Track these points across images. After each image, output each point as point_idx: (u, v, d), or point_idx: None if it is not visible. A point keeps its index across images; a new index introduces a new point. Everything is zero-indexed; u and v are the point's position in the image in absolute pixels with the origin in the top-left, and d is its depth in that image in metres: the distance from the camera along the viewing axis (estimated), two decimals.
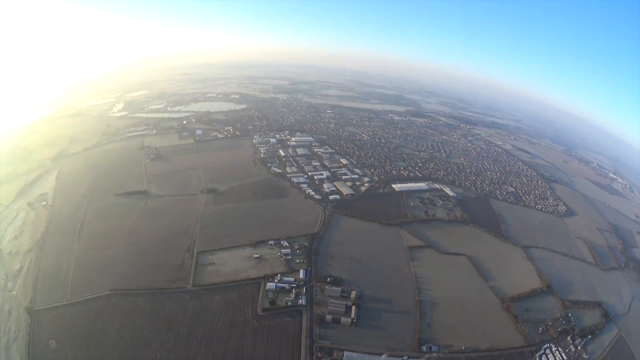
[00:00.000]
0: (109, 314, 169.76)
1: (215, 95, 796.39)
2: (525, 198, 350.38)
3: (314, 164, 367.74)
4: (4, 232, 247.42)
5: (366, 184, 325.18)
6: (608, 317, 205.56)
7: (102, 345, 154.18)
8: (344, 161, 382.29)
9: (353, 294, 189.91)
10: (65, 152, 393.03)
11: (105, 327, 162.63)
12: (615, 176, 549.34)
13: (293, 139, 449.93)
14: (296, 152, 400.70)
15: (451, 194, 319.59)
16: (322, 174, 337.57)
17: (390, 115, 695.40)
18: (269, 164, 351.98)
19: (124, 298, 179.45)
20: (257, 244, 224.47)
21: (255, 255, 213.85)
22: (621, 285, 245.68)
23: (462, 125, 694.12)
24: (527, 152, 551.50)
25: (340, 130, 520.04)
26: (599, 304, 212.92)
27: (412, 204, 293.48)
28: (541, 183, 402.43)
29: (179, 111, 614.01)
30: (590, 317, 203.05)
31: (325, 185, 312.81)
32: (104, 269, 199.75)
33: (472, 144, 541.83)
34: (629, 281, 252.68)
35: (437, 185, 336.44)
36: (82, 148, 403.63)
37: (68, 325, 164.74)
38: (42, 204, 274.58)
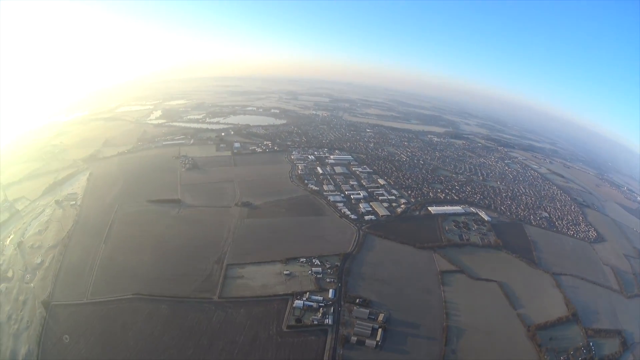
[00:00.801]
0: (130, 317, 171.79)
1: (255, 109, 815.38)
2: (558, 224, 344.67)
3: (351, 183, 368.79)
4: (28, 226, 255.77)
5: (402, 206, 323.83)
6: (626, 345, 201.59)
7: (119, 347, 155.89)
8: (381, 181, 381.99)
9: (381, 317, 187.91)
10: (99, 155, 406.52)
11: (125, 330, 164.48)
12: None
13: (331, 156, 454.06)
14: (334, 170, 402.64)
15: (486, 218, 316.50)
16: (359, 194, 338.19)
17: (429, 136, 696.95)
18: (306, 181, 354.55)
19: (147, 303, 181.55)
20: (288, 260, 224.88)
21: (285, 272, 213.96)
22: None
23: (499, 147, 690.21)
24: (562, 177, 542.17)
25: (379, 150, 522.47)
26: (619, 332, 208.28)
27: (447, 228, 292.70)
28: (574, 208, 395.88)
29: (217, 123, 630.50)
30: (610, 346, 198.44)
31: (361, 205, 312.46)
32: (129, 273, 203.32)
33: (508, 167, 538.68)
34: None
35: (472, 209, 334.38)
36: (117, 152, 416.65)
37: (85, 323, 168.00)
38: (71, 203, 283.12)
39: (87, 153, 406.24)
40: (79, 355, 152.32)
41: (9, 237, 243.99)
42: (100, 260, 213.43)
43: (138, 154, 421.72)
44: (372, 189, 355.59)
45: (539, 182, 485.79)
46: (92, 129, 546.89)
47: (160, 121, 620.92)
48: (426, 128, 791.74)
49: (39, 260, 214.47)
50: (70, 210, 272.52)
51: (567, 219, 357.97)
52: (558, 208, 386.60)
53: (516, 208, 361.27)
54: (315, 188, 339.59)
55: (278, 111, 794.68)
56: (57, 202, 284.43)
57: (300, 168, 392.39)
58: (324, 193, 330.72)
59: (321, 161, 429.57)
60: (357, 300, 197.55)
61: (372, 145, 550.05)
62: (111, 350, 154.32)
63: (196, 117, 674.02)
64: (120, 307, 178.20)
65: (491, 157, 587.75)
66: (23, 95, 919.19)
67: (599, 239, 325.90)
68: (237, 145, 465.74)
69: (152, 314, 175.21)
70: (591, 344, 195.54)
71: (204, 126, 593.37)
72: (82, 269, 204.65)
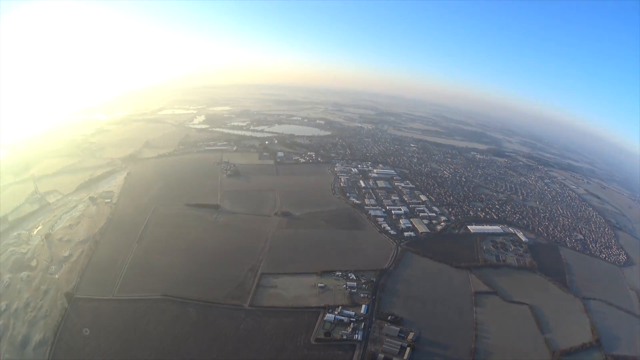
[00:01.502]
0: (156, 317, 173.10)
1: (300, 119, 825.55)
2: (592, 246, 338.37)
3: (393, 198, 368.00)
4: (58, 219, 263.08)
5: (442, 223, 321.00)
6: None
7: (140, 344, 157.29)
8: (423, 197, 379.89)
9: (411, 335, 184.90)
10: (138, 155, 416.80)
11: (148, 329, 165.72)
12: None
13: (375, 170, 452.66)
14: (377, 184, 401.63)
15: (523, 239, 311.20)
16: (400, 209, 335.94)
17: (472, 153, 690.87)
18: (347, 194, 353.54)
19: (175, 305, 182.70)
20: (323, 273, 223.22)
21: (319, 285, 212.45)
22: None
23: (539, 166, 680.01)
24: (598, 197, 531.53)
25: (423, 166, 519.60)
26: (635, 359, 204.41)
27: (484, 247, 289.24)
28: (607, 230, 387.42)
29: (262, 131, 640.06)
30: None
31: (401, 221, 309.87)
32: (160, 274, 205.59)
33: (548, 187, 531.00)
34: None
35: (511, 229, 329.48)
36: (157, 154, 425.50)
37: (108, 318, 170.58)
38: (106, 200, 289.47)
39: (127, 153, 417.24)
40: (98, 348, 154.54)
41: (37, 228, 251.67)
42: (131, 259, 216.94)
43: (179, 157, 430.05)
44: (413, 205, 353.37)
45: (576, 202, 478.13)
46: (133, 129, 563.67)
47: (204, 126, 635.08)
48: (469, 145, 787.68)
49: (66, 254, 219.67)
50: (104, 207, 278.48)
51: (601, 242, 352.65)
52: (593, 230, 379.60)
53: (553, 229, 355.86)
54: (357, 201, 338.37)
55: (323, 122, 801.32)
56: (91, 198, 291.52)
57: (342, 180, 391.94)
58: (365, 207, 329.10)
59: (364, 175, 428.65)
60: (389, 317, 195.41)
61: (415, 160, 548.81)
62: (131, 347, 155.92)
63: (240, 124, 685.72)
64: (147, 307, 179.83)
65: (531, 176, 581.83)
66: (58, 91, 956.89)
67: (628, 262, 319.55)
68: (280, 154, 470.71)
69: (179, 316, 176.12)
70: None
71: (248, 134, 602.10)
72: (111, 266, 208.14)
